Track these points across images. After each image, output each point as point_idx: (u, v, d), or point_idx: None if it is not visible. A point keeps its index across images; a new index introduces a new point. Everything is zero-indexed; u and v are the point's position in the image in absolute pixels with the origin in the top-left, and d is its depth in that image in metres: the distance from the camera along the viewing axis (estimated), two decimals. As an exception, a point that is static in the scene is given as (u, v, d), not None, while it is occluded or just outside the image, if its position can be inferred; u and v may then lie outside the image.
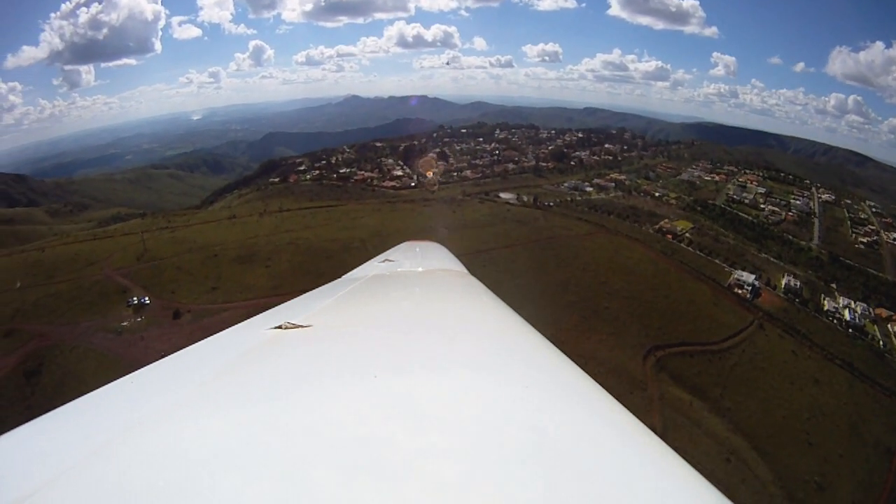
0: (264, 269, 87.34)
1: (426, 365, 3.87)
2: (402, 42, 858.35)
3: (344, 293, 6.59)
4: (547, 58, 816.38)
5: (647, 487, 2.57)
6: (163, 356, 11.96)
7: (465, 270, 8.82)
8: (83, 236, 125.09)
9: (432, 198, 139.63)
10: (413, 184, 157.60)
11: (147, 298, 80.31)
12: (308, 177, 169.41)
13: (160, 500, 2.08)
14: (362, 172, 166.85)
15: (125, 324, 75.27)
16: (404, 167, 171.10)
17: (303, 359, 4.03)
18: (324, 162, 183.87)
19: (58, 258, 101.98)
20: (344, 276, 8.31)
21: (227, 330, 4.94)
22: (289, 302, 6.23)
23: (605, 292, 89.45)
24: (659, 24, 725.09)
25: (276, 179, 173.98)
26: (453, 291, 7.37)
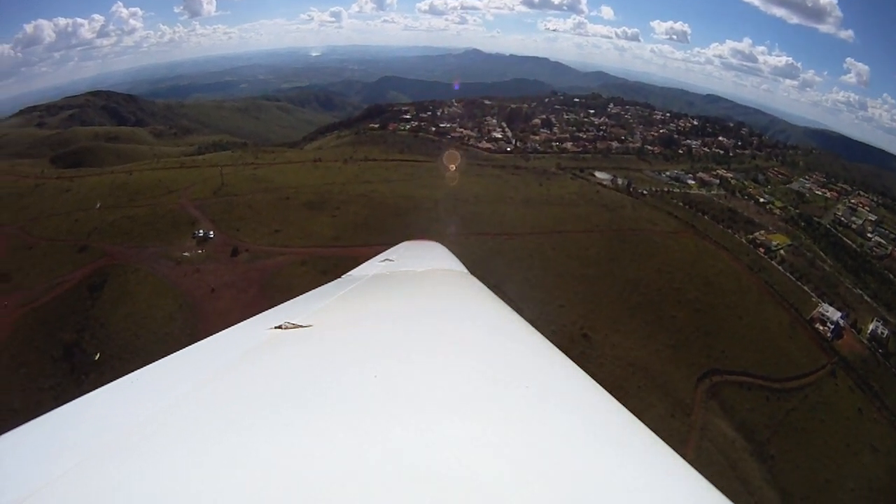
0: (330, 217, 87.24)
1: (426, 365, 3.80)
2: (528, 1, 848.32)
3: (344, 293, 6.47)
4: (674, 36, 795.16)
5: (648, 487, 2.60)
6: (211, 291, 34.89)
7: (466, 270, 8.51)
8: (171, 163, 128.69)
9: (525, 165, 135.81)
10: (509, 148, 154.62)
11: (212, 232, 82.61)
12: (406, 127, 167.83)
13: (160, 500, 2.12)
14: (461, 129, 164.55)
15: (186, 254, 77.67)
16: (505, 129, 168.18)
17: (303, 359, 3.99)
18: (429, 113, 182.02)
19: (142, 183, 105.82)
20: (344, 276, 8.05)
21: (227, 329, 4.77)
22: (289, 301, 6.07)
23: (675, 300, 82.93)
24: (793, 18, 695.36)
25: (376, 125, 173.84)
26: (454, 291, 7.22)
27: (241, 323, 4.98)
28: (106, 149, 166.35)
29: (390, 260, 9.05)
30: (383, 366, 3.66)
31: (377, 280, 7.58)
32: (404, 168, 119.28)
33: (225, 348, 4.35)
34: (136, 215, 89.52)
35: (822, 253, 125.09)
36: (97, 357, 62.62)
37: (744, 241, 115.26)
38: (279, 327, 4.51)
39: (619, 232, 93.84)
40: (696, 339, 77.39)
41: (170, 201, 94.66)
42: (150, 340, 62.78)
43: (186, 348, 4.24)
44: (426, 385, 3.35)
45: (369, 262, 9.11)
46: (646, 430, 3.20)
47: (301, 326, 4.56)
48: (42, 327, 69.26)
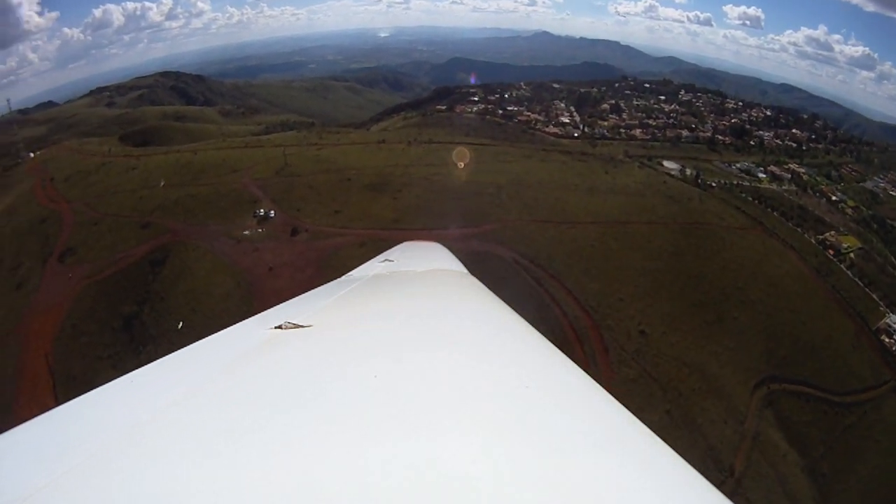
0: (391, 200, 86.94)
1: (427, 365, 3.83)
2: None
3: (344, 293, 6.56)
4: (748, 22, 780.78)
5: (648, 487, 2.61)
6: (269, 269, 40.16)
7: (466, 271, 8.67)
8: (235, 143, 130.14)
9: (591, 152, 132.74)
10: (577, 134, 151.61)
11: (273, 212, 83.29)
12: (473, 109, 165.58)
13: (159, 500, 2.14)
14: (528, 113, 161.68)
15: (246, 233, 78.78)
16: (573, 114, 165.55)
17: (303, 358, 3.99)
18: (497, 95, 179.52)
19: (206, 162, 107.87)
20: (344, 276, 8.19)
21: (227, 329, 4.75)
22: (289, 301, 6.09)
23: (738, 300, 78.65)
24: (869, 6, 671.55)
25: (443, 107, 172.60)
26: (454, 291, 7.30)
27: (242, 323, 4.96)
28: (173, 128, 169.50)
29: (390, 260, 9.11)
30: (383, 366, 3.67)
31: (377, 280, 7.64)
32: (469, 151, 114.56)
33: (225, 348, 4.32)
34: (199, 194, 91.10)
35: (893, 259, 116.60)
36: (180, 326, 64.51)
37: (812, 241, 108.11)
38: (279, 327, 4.49)
39: (684, 225, 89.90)
40: (756, 342, 73.82)
41: (233, 180, 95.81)
42: (206, 316, 64.21)
43: (186, 348, 4.20)
44: (426, 385, 3.37)
45: (369, 262, 9.18)
46: (646, 430, 3.21)
47: (301, 326, 4.53)
48: (104, 299, 71.61)
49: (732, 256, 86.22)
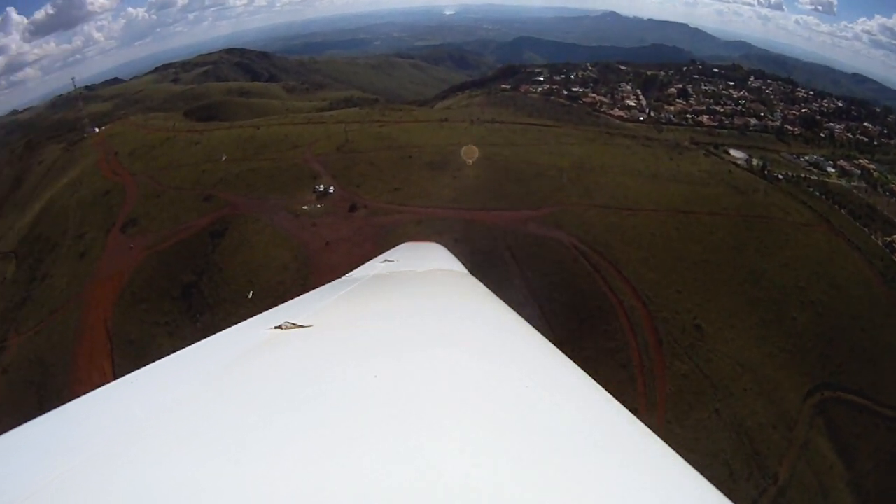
0: (451, 178, 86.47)
1: (427, 365, 3.83)
2: None
3: (344, 293, 6.58)
4: (820, 7, 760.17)
5: (648, 487, 2.63)
6: (326, 244, 41.15)
7: (466, 271, 8.76)
8: (298, 119, 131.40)
9: (656, 137, 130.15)
10: (642, 118, 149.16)
11: (332, 188, 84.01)
12: (538, 90, 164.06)
13: (160, 500, 2.15)
14: (593, 95, 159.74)
15: (305, 207, 79.55)
16: (640, 97, 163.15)
17: (303, 358, 3.99)
18: (563, 76, 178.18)
19: (269, 137, 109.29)
20: (344, 276, 8.19)
21: (227, 329, 4.74)
22: (289, 301, 6.08)
23: (798, 300, 73.23)
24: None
25: (507, 87, 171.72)
26: (454, 292, 7.40)
27: (242, 323, 4.98)
28: (238, 103, 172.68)
29: (390, 261, 9.34)
30: (383, 366, 3.66)
31: (377, 280, 7.82)
32: (531, 132, 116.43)
33: (225, 348, 4.30)
34: (260, 168, 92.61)
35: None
36: (250, 295, 65.88)
37: (880, 243, 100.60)
38: (279, 327, 4.50)
39: (747, 218, 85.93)
40: (813, 346, 70.13)
41: (294, 156, 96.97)
42: (263, 288, 65.57)
43: (187, 348, 4.18)
44: (426, 385, 3.37)
45: (369, 262, 9.35)
46: (646, 430, 3.22)
47: (301, 326, 4.55)
48: (163, 268, 74.15)
49: (795, 254, 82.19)
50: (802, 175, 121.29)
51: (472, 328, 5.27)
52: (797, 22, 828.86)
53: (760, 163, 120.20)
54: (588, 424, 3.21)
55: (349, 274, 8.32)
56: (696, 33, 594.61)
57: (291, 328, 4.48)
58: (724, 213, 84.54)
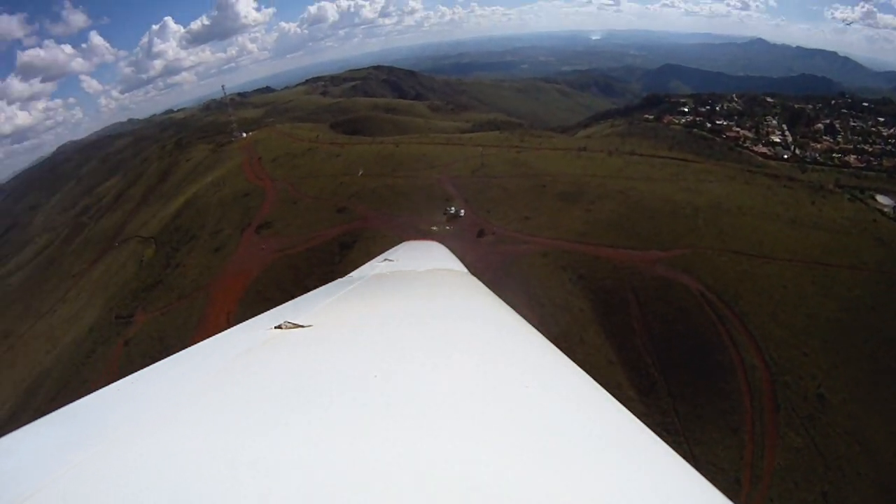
0: (583, 212, 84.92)
1: (427, 365, 3.75)
2: None
3: (345, 293, 6.57)
4: None
5: (649, 487, 2.63)
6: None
7: (466, 270, 8.69)
8: (437, 139, 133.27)
9: (799, 178, 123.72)
10: (786, 155, 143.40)
11: (463, 211, 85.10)
12: (681, 121, 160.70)
13: (160, 500, 2.15)
14: (737, 129, 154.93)
15: (434, 228, 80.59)
16: (785, 133, 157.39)
17: (303, 358, 3.98)
18: (707, 107, 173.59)
19: (407, 155, 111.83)
20: (345, 276, 8.27)
21: (227, 330, 4.87)
22: (289, 302, 6.15)
23: None
24: None
25: (650, 117, 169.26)
26: (454, 291, 7.30)
27: (242, 323, 5.07)
28: (382, 119, 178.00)
29: (391, 260, 9.24)
30: (383, 366, 3.67)
31: (377, 280, 7.78)
32: (670, 167, 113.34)
33: (225, 348, 4.33)
34: (394, 185, 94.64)
35: None
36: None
37: None
38: (279, 327, 4.52)
39: (889, 275, 76.19)
40: None
41: (429, 175, 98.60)
42: None
43: (187, 349, 4.26)
44: (426, 385, 3.35)
45: (370, 262, 9.29)
46: (646, 430, 3.22)
47: (301, 326, 4.56)
48: (290, 272, 77.02)
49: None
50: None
51: (473, 328, 5.27)
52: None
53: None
54: (588, 424, 3.22)
55: (349, 274, 8.39)
56: (846, 63, 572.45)
57: (291, 328, 4.54)
58: (864, 268, 77.05)
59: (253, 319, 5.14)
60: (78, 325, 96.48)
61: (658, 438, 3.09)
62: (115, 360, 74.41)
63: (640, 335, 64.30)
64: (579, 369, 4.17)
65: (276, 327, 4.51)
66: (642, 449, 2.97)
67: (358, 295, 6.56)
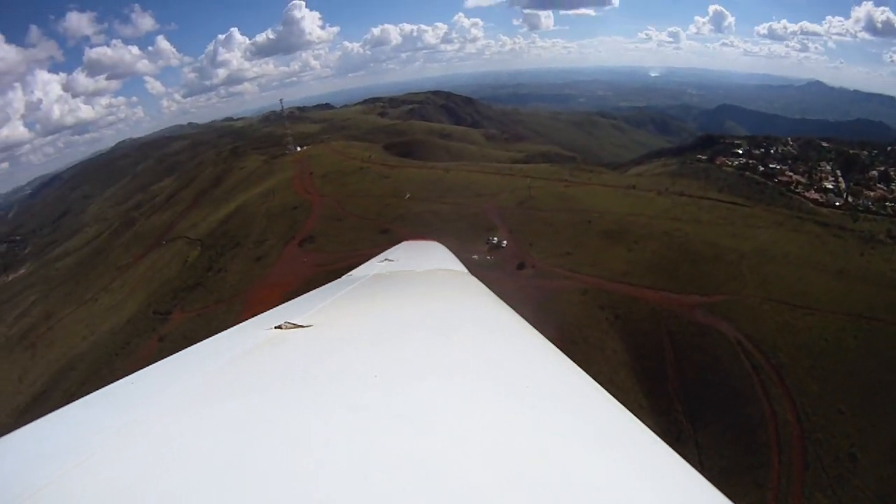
0: (625, 251, 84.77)
1: (426, 365, 3.90)
2: (871, 27, 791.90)
3: (344, 293, 6.71)
4: None
5: (648, 486, 2.65)
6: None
7: (466, 270, 8.82)
8: (487, 168, 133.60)
9: (850, 226, 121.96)
10: (838, 202, 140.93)
11: (505, 242, 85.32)
12: (734, 163, 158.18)
13: (159, 500, 2.16)
14: (790, 173, 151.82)
15: (475, 257, 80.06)
16: (839, 179, 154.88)
17: (303, 358, 4.06)
18: (762, 150, 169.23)
19: (455, 182, 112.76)
20: (344, 276, 8.36)
21: (227, 330, 4.96)
22: (289, 302, 6.30)
23: None
24: None
25: (703, 157, 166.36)
26: (454, 291, 7.46)
27: (242, 323, 5.14)
28: (436, 144, 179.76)
29: (391, 260, 9.30)
30: (383, 366, 3.74)
31: (377, 280, 7.85)
32: (719, 210, 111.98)
33: (225, 348, 4.42)
34: (440, 210, 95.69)
35: None
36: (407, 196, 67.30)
37: None
38: (279, 327, 4.57)
39: None
40: None
41: (475, 204, 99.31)
42: None
43: (187, 349, 4.34)
44: (426, 384, 3.41)
45: (369, 262, 9.38)
46: (646, 430, 3.23)
47: (301, 326, 4.62)
48: None
49: None
50: None
51: (473, 328, 5.35)
52: None
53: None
54: (589, 424, 3.28)
55: (349, 273, 8.46)
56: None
57: (291, 328, 4.59)
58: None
59: (253, 319, 5.24)
60: (117, 316, 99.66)
61: (658, 439, 3.15)
62: (148, 353, 75.39)
63: (672, 381, 63.76)
64: (580, 370, 4.24)
65: (276, 327, 4.60)
66: (642, 448, 3.06)
67: (358, 295, 6.74)
